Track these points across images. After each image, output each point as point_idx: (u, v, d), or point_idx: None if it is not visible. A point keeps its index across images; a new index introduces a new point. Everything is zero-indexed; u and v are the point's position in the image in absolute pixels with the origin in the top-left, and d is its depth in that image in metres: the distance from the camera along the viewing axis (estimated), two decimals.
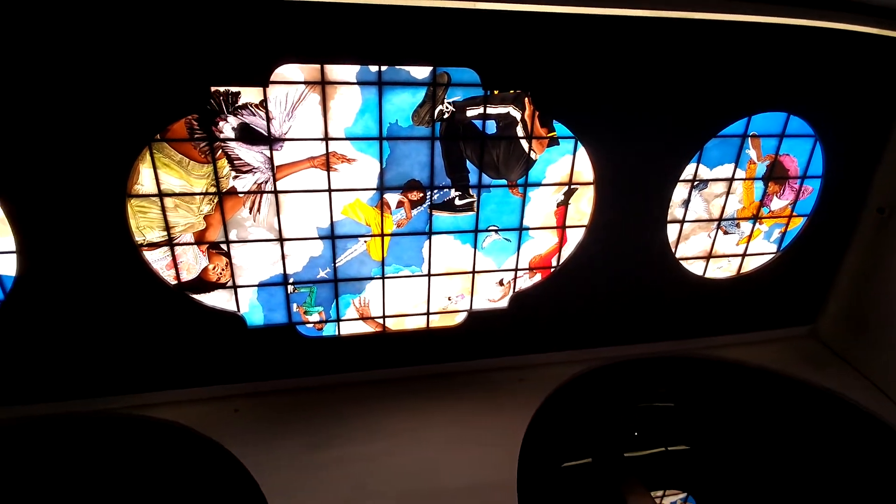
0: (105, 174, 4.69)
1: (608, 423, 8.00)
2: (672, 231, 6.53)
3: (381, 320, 6.22)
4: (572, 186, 5.93)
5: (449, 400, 6.23)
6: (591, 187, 5.91)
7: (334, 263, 5.74)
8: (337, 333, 6.15)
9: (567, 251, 6.28)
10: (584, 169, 5.83)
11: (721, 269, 7.12)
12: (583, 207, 6.08)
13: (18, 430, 5.62)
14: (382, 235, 5.70)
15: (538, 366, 6.75)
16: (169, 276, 5.36)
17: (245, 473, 5.25)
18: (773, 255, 7.17)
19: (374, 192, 5.47)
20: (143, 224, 5.08)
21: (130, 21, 4.19)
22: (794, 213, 6.93)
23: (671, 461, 8.60)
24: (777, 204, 6.84)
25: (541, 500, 7.31)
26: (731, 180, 6.45)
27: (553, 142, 5.67)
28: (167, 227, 5.13)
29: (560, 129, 5.59)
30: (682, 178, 6.15)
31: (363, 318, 6.17)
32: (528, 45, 4.97)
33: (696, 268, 6.93)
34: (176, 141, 4.80)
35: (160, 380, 5.84)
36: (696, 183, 6.32)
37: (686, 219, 6.52)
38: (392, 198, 5.56)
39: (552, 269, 6.37)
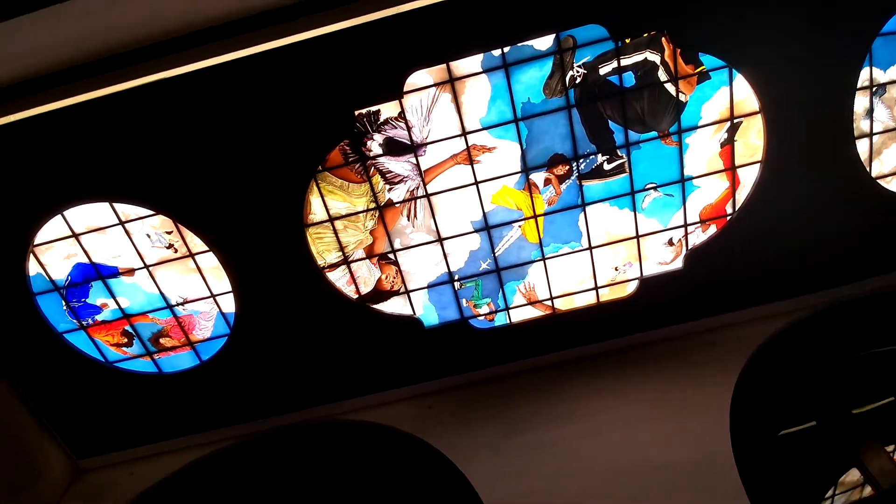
0: (285, 212, 5.33)
1: (827, 380, 6.97)
2: (861, 147, 5.53)
3: (549, 302, 6.14)
4: (735, 121, 5.31)
5: (637, 374, 5.93)
6: (759, 116, 5.24)
7: (493, 253, 5.81)
8: (508, 322, 6.20)
9: (742, 194, 5.64)
10: (746, 97, 5.19)
11: None
12: (753, 141, 5.41)
13: (250, 445, 6.52)
14: (535, 217, 5.64)
15: (731, 326, 6.13)
16: (350, 291, 5.87)
17: (449, 464, 5.51)
18: None
19: (520, 174, 5.44)
20: (322, 248, 5.64)
21: (284, 82, 4.74)
22: None
23: None
24: None
25: (763, 470, 6.61)
26: None
27: (703, 77, 5.13)
28: (341, 247, 5.63)
29: (708, 60, 5.04)
30: (858, 85, 5.19)
31: (531, 303, 6.15)
32: None
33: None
34: (335, 168, 5.27)
35: (356, 387, 6.39)
36: (874, 88, 5.31)
37: (874, 131, 5.49)
38: (538, 177, 5.47)
39: (728, 217, 5.76)
